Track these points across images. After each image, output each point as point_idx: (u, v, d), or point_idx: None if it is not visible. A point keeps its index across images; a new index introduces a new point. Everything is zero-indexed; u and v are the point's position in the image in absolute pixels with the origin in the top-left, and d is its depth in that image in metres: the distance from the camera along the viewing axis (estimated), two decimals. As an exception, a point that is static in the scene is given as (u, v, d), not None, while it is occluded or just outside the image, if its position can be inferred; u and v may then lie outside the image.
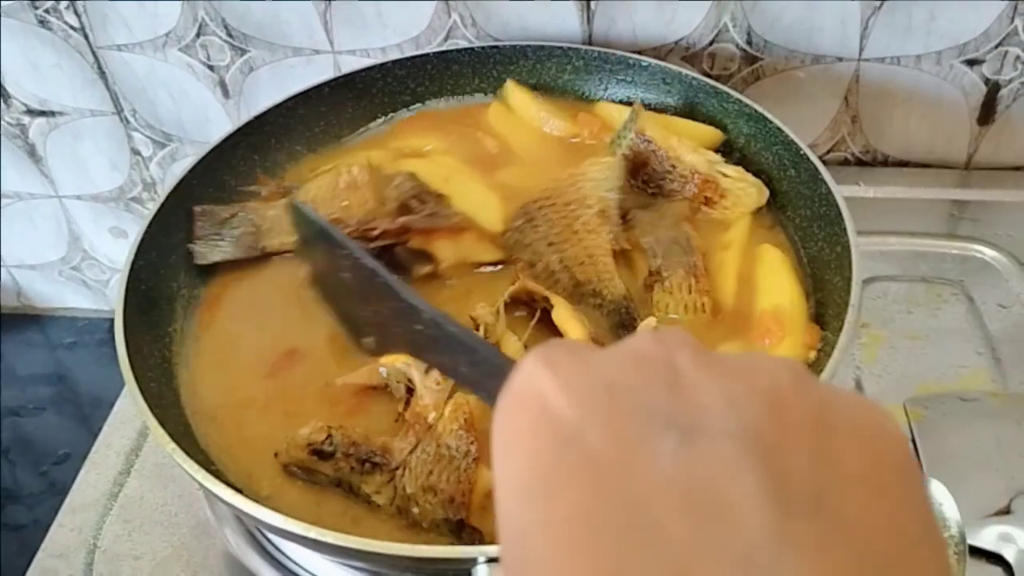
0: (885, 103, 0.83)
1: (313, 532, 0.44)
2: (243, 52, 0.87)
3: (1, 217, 1.06)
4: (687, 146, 0.66)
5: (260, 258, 0.65)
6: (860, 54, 0.80)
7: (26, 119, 0.95)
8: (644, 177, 0.67)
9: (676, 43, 0.81)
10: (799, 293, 0.60)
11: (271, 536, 0.59)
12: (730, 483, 0.21)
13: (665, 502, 0.21)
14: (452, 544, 0.48)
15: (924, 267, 0.76)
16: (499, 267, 0.64)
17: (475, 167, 0.71)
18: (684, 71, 0.72)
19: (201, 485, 0.47)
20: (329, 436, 0.50)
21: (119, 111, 0.94)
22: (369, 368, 0.55)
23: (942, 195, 0.83)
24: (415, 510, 0.49)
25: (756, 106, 0.68)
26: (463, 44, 0.83)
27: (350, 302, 0.57)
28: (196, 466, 0.47)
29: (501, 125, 0.75)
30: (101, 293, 1.15)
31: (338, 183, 0.67)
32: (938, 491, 0.55)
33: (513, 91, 0.76)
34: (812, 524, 0.21)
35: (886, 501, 0.22)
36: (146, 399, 0.51)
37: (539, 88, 0.77)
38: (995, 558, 0.56)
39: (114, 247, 1.08)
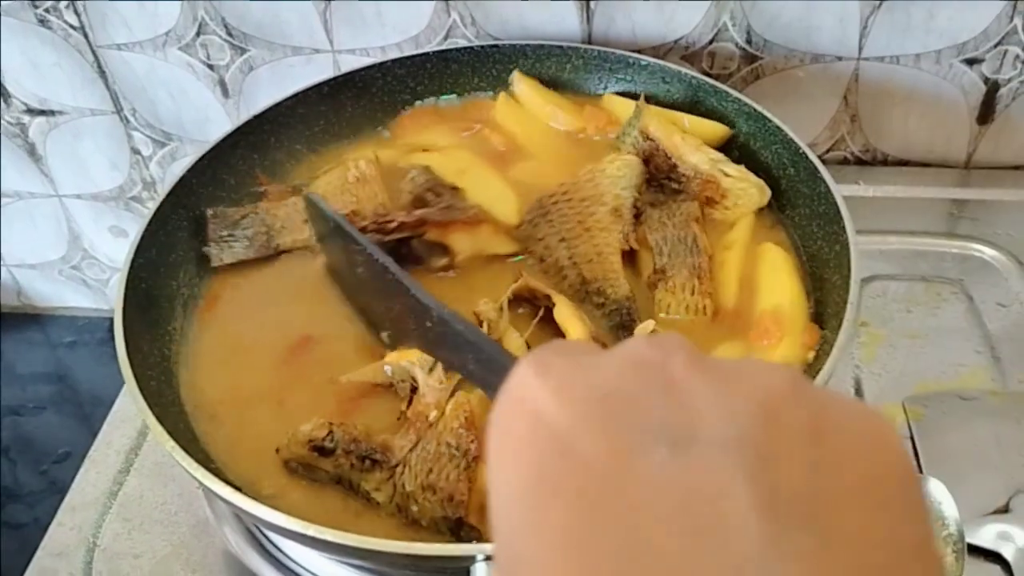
0: (884, 102, 0.83)
1: (311, 530, 0.44)
2: (243, 51, 0.87)
3: (1, 216, 1.06)
4: (690, 145, 0.66)
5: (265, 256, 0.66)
6: (859, 53, 0.80)
7: (26, 118, 0.95)
8: (647, 175, 0.67)
9: (676, 42, 0.81)
10: (800, 293, 0.60)
11: (270, 534, 0.59)
12: (722, 495, 0.21)
13: (656, 514, 0.21)
14: (451, 542, 0.48)
15: (923, 266, 0.76)
16: (516, 259, 0.64)
17: (486, 161, 0.71)
18: (684, 70, 0.72)
19: (200, 483, 0.47)
20: (330, 433, 0.51)
21: (119, 110, 0.94)
22: (374, 366, 0.55)
23: (941, 194, 0.83)
24: (414, 508, 0.49)
25: (756, 105, 0.68)
26: (463, 43, 0.83)
27: (366, 296, 0.57)
28: (195, 464, 0.47)
29: (507, 118, 0.75)
30: (101, 292, 1.15)
31: (347, 178, 0.68)
32: (937, 489, 0.55)
33: (520, 82, 0.76)
34: (804, 537, 0.21)
35: (882, 514, 0.22)
36: (146, 397, 0.51)
37: (539, 87, 0.77)
38: (994, 556, 0.56)
39: (114, 246, 1.08)
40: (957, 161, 0.86)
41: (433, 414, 0.52)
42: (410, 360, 0.53)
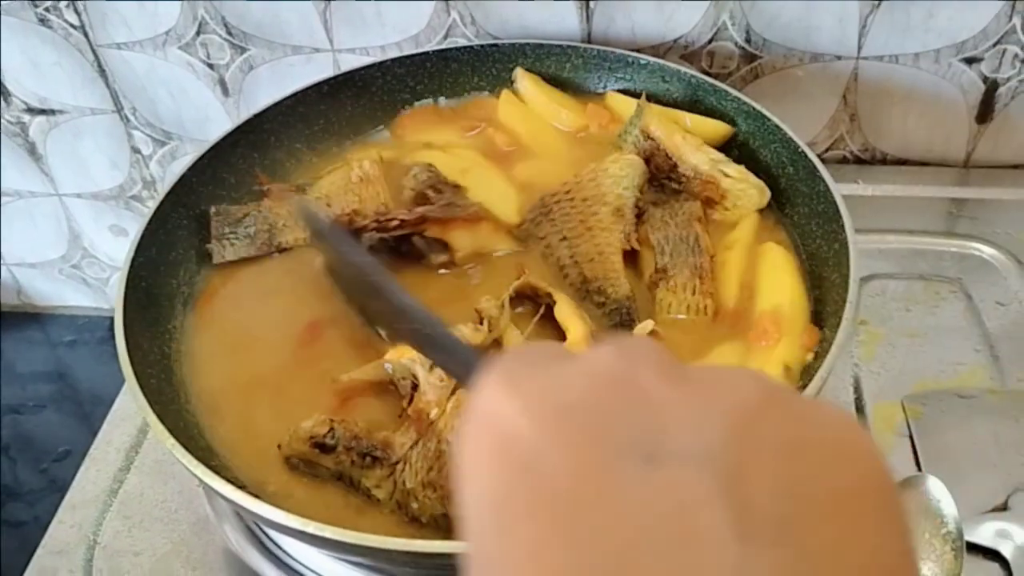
0: (883, 101, 0.83)
1: (311, 527, 0.45)
2: (243, 50, 0.87)
3: (1, 215, 1.06)
4: (691, 144, 0.67)
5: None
6: (859, 52, 0.80)
7: (26, 117, 0.96)
8: (648, 175, 0.67)
9: (675, 41, 0.81)
10: (800, 294, 0.60)
11: (270, 532, 0.60)
12: (695, 511, 0.21)
13: (627, 531, 0.21)
14: (451, 539, 0.48)
15: (922, 265, 0.76)
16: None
17: (488, 159, 0.72)
18: (683, 69, 0.73)
19: (200, 481, 0.47)
20: (331, 429, 0.51)
21: (119, 109, 0.94)
22: (375, 364, 0.56)
23: (940, 193, 0.84)
24: (414, 505, 0.49)
25: (755, 104, 0.68)
26: (463, 42, 0.83)
27: (361, 296, 0.58)
28: (195, 461, 0.47)
29: (510, 116, 0.75)
30: (101, 291, 1.15)
31: (350, 178, 0.68)
32: (936, 487, 0.55)
33: (524, 79, 0.76)
34: (776, 554, 0.20)
35: (859, 528, 0.21)
36: (146, 395, 0.51)
37: (538, 86, 0.77)
38: (992, 554, 0.56)
39: (114, 245, 1.08)
40: (956, 160, 0.87)
41: (434, 412, 0.52)
42: (411, 358, 0.53)
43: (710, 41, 0.81)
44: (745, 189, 0.65)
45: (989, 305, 0.72)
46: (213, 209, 0.66)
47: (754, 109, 0.68)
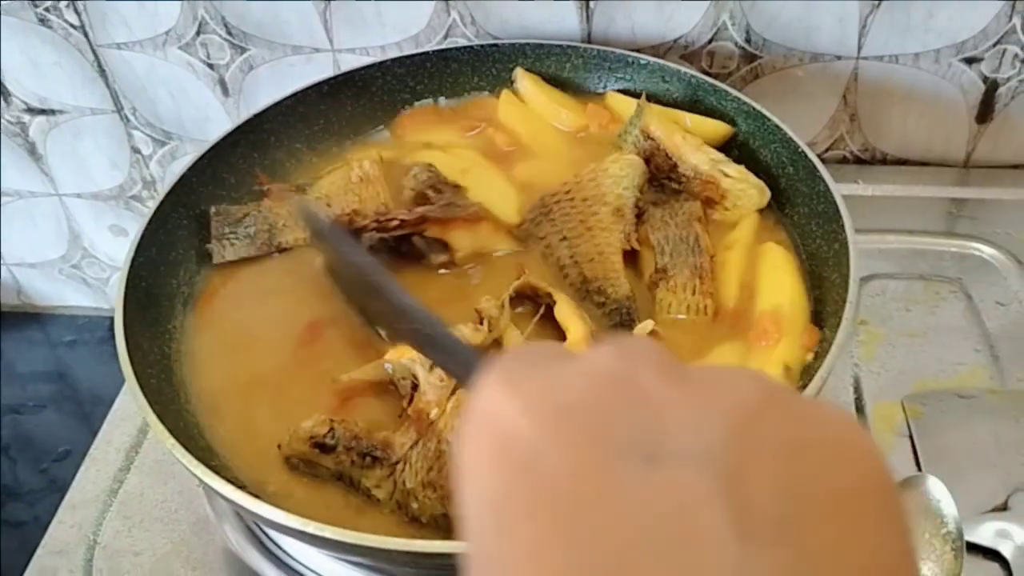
0: (883, 101, 0.83)
1: (311, 527, 0.45)
2: (243, 50, 0.87)
3: (1, 215, 1.06)
4: (691, 144, 0.67)
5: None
6: (858, 52, 0.80)
7: (26, 117, 0.96)
8: (648, 175, 0.68)
9: (675, 41, 0.81)
10: (800, 294, 0.60)
11: (270, 532, 0.60)
12: (694, 512, 0.21)
13: (627, 531, 0.21)
14: (451, 539, 0.48)
15: (922, 265, 0.76)
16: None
17: (488, 160, 0.72)
18: (683, 69, 0.73)
19: (200, 481, 0.47)
20: (331, 429, 0.51)
21: (119, 109, 0.94)
22: (375, 364, 0.56)
23: (940, 193, 0.84)
24: (414, 505, 0.49)
25: (755, 104, 0.68)
26: (462, 42, 0.83)
27: (361, 296, 0.58)
28: (195, 461, 0.47)
29: (511, 116, 0.75)
30: (101, 291, 1.15)
31: (350, 178, 0.68)
32: (936, 487, 0.55)
33: (524, 79, 0.76)
34: (776, 555, 0.20)
35: (859, 528, 0.21)
36: (146, 395, 0.51)
37: (538, 86, 0.77)
38: (992, 554, 0.56)
39: (114, 245, 1.08)
40: (956, 160, 0.87)
41: (434, 412, 0.52)
42: (411, 358, 0.53)
43: (710, 41, 0.81)
44: (745, 189, 0.65)
45: (989, 305, 0.72)
46: (213, 209, 0.66)
47: (754, 109, 0.68)
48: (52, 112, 0.95)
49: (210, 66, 0.89)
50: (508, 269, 0.62)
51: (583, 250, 0.62)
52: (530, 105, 0.76)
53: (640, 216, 0.65)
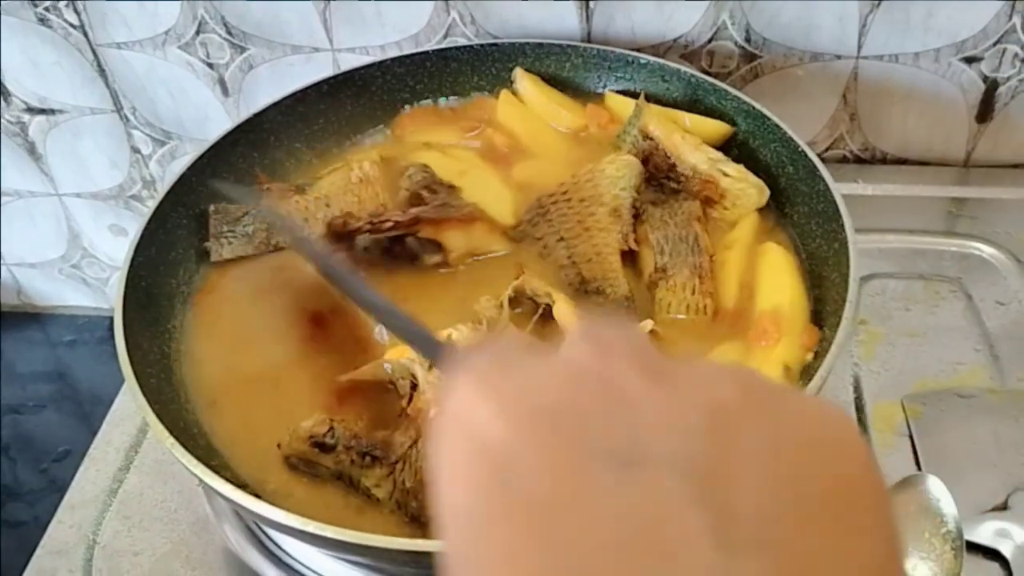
0: (883, 101, 0.83)
1: (311, 527, 0.45)
2: (242, 50, 0.87)
3: (1, 215, 1.06)
4: (690, 144, 0.67)
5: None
6: (858, 52, 0.80)
7: (26, 117, 0.96)
8: (647, 175, 0.67)
9: (675, 41, 0.81)
10: (800, 294, 0.60)
11: (270, 532, 0.60)
12: (670, 519, 0.20)
13: (602, 540, 0.20)
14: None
15: (922, 264, 0.76)
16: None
17: (486, 161, 0.72)
18: (683, 68, 0.72)
19: (200, 480, 0.47)
20: (331, 429, 0.51)
21: (119, 109, 0.94)
22: (374, 364, 0.56)
23: (940, 192, 0.84)
24: (414, 504, 0.49)
25: (755, 103, 0.68)
26: (462, 42, 0.83)
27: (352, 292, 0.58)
28: (195, 461, 0.47)
29: (510, 117, 0.75)
30: (101, 291, 1.15)
31: (350, 179, 0.68)
32: (936, 487, 0.55)
33: (523, 79, 0.76)
34: (756, 561, 0.20)
35: (843, 532, 0.21)
36: (145, 394, 0.51)
37: (538, 86, 0.77)
38: (992, 554, 0.56)
39: (114, 245, 1.08)
40: (956, 159, 0.87)
41: (433, 411, 0.52)
42: (410, 358, 0.53)
43: (710, 40, 0.81)
44: (744, 188, 0.65)
45: (989, 305, 0.72)
46: (212, 207, 0.66)
47: (754, 108, 0.68)
48: (52, 112, 0.95)
49: (210, 66, 0.89)
50: (504, 270, 0.62)
51: (581, 251, 0.62)
52: (529, 105, 0.76)
53: (637, 216, 0.65)
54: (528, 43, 0.77)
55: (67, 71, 0.91)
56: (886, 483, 0.23)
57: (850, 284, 0.55)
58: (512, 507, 0.22)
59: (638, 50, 0.77)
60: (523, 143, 0.73)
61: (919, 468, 0.61)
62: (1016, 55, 0.78)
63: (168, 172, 0.99)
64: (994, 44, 0.78)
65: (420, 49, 0.79)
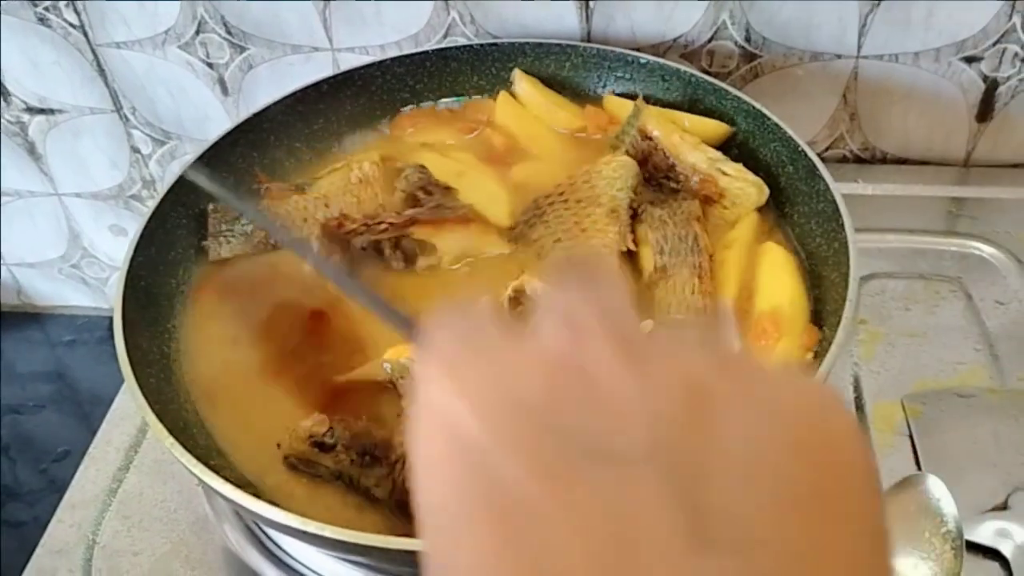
0: (883, 100, 0.83)
1: (311, 526, 0.45)
2: (242, 50, 0.87)
3: (1, 215, 1.06)
4: (689, 143, 0.66)
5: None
6: (858, 51, 0.80)
7: (26, 117, 0.96)
8: (646, 174, 0.67)
9: (675, 40, 0.81)
10: (800, 294, 0.60)
11: (270, 532, 0.60)
12: (644, 518, 0.20)
13: (576, 539, 0.20)
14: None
15: (922, 264, 0.76)
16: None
17: (484, 162, 0.72)
18: (683, 68, 0.72)
19: (200, 480, 0.47)
20: (330, 428, 0.51)
21: (118, 109, 0.94)
22: (373, 364, 0.56)
23: (940, 192, 0.83)
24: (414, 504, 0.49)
25: (755, 103, 0.68)
26: (462, 42, 0.83)
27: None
28: (194, 460, 0.47)
29: (508, 118, 0.75)
30: (101, 291, 1.15)
31: (350, 179, 0.68)
32: (936, 487, 0.55)
33: (521, 81, 0.76)
34: (731, 560, 0.19)
35: (828, 528, 0.20)
36: (145, 394, 0.51)
37: (538, 85, 0.77)
38: (992, 553, 0.56)
39: (113, 245, 1.08)
40: (956, 159, 0.86)
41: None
42: (409, 357, 0.53)
43: (710, 40, 0.81)
44: (744, 187, 0.65)
45: (989, 304, 0.72)
46: (211, 206, 0.66)
47: (754, 108, 0.68)
48: (51, 111, 0.95)
49: (209, 65, 0.89)
50: (501, 271, 0.62)
51: (578, 252, 0.62)
52: (528, 107, 0.76)
53: (635, 217, 0.64)
54: (528, 43, 0.77)
55: (67, 71, 0.91)
56: (877, 468, 0.22)
57: (850, 284, 0.55)
58: (489, 507, 0.22)
59: (638, 50, 0.77)
60: (522, 144, 0.73)
61: (919, 468, 0.61)
62: (1016, 55, 0.78)
63: (168, 172, 0.99)
64: (994, 44, 0.78)
65: (420, 49, 0.79)
